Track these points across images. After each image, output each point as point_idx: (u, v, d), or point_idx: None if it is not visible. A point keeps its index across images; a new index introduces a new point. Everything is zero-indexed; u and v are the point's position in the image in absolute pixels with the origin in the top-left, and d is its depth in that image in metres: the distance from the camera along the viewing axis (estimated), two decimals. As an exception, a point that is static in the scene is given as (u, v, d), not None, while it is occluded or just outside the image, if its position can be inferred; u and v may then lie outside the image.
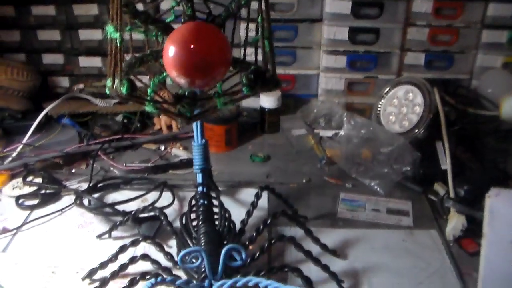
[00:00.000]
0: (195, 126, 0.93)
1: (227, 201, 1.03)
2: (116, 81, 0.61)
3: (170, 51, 0.68)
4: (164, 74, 0.73)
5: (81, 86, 1.45)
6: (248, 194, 1.11)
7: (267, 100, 1.34)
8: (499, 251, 0.81)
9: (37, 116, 1.25)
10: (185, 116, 0.68)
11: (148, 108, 0.65)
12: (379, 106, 1.29)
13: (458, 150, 1.16)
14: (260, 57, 0.76)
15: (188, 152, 1.26)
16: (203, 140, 0.94)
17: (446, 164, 1.10)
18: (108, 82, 0.61)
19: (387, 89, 1.28)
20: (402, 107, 1.24)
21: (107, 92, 0.63)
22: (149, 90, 0.66)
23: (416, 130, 1.20)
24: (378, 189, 1.12)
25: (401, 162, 1.13)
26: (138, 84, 0.69)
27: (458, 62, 1.40)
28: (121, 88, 0.60)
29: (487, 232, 0.82)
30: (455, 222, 0.97)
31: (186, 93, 0.65)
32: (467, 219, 0.97)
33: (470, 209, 0.98)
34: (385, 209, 1.07)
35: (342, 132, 1.23)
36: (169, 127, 1.37)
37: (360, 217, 1.05)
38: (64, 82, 1.48)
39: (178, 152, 1.27)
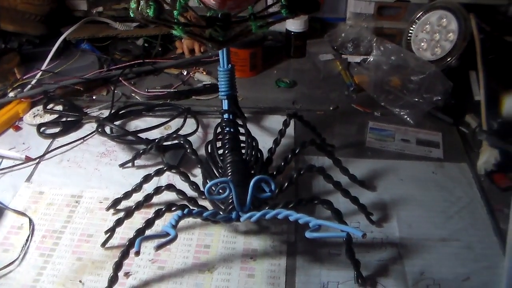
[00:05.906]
0: (221, 51, 0.90)
1: (252, 129, 1.00)
2: (142, 2, 0.56)
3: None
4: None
5: (100, 9, 1.40)
6: (273, 121, 1.09)
7: (293, 23, 1.29)
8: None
9: (56, 41, 1.21)
10: (217, 40, 0.64)
11: (177, 32, 0.61)
12: (410, 32, 1.23)
13: (493, 81, 1.10)
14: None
15: (212, 77, 1.23)
16: (230, 65, 0.90)
17: (479, 94, 1.05)
18: (133, 4, 0.57)
19: (420, 14, 1.22)
20: (434, 33, 1.18)
21: (131, 15, 0.58)
22: (175, 13, 0.61)
23: (449, 58, 1.15)
24: (408, 118, 1.09)
25: (432, 91, 1.08)
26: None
27: (496, -14, 1.31)
28: (147, 11, 0.56)
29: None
30: (487, 156, 0.94)
31: (220, 16, 0.61)
32: (500, 153, 0.94)
33: (504, 142, 0.95)
34: (415, 139, 1.04)
35: (371, 58, 1.18)
36: (192, 51, 1.33)
37: (389, 147, 1.02)
38: (82, 5, 1.43)
39: (201, 77, 1.24)
